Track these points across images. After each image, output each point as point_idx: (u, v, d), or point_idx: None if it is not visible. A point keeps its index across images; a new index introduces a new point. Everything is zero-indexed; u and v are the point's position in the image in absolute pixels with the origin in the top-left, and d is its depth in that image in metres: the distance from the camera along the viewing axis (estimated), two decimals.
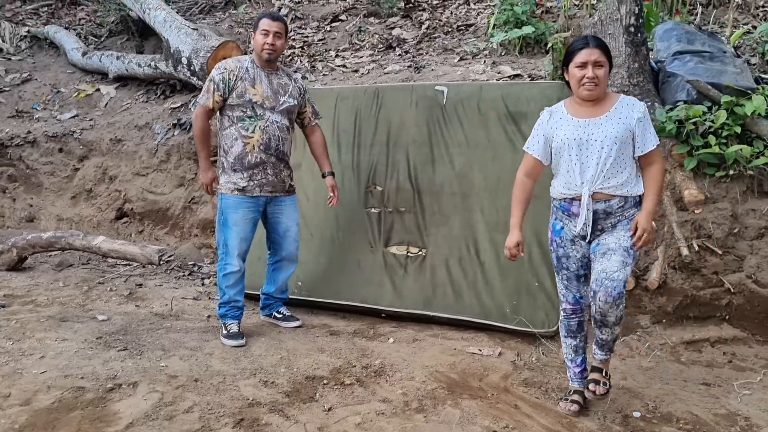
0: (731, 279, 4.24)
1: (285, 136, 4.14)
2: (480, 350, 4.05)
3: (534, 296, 4.22)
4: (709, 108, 4.34)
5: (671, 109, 4.39)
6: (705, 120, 4.27)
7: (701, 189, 4.29)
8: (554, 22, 6.34)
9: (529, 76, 5.30)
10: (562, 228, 3.22)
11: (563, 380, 3.63)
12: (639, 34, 4.54)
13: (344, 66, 6.80)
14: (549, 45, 4.86)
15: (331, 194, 4.36)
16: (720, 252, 4.25)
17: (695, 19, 6.72)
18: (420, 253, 4.58)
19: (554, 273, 3.38)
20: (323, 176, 4.41)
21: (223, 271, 4.12)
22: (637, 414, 3.32)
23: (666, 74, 4.64)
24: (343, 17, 8.28)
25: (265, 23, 4.00)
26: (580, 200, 3.08)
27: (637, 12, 4.51)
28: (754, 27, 5.90)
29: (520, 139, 4.40)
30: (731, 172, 4.27)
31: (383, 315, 4.58)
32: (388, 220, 4.68)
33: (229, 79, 3.99)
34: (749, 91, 4.33)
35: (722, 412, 3.37)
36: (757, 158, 4.21)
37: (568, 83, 3.12)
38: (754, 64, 5.29)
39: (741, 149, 4.20)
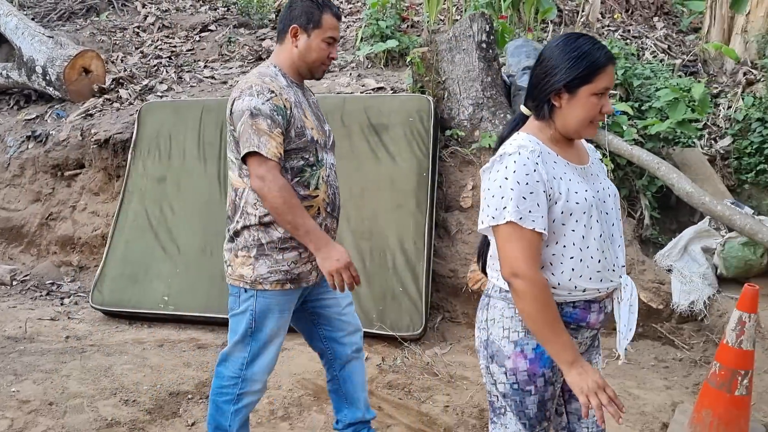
0: None
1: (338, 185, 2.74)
2: None
3: (399, 301, 4.37)
4: None
5: None
6: None
7: None
8: (418, 36, 6.60)
9: (392, 89, 5.49)
10: None
11: (426, 380, 3.79)
12: (490, 50, 4.84)
13: (213, 77, 6.73)
14: (408, 59, 5.07)
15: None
16: None
17: (548, 36, 7.23)
18: None
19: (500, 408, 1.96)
20: None
21: (237, 403, 2.61)
22: None
23: (517, 88, 4.97)
24: (212, 27, 8.18)
25: (333, 23, 2.52)
26: (602, 301, 1.92)
27: (488, 29, 4.80)
28: None
29: (382, 149, 4.56)
30: None
31: None
32: None
33: (284, 107, 2.40)
34: None
35: None
36: None
37: (540, 107, 1.86)
38: None
39: None
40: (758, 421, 3.50)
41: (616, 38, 6.74)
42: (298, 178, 2.46)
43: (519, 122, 1.94)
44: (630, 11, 8.34)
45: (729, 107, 5.67)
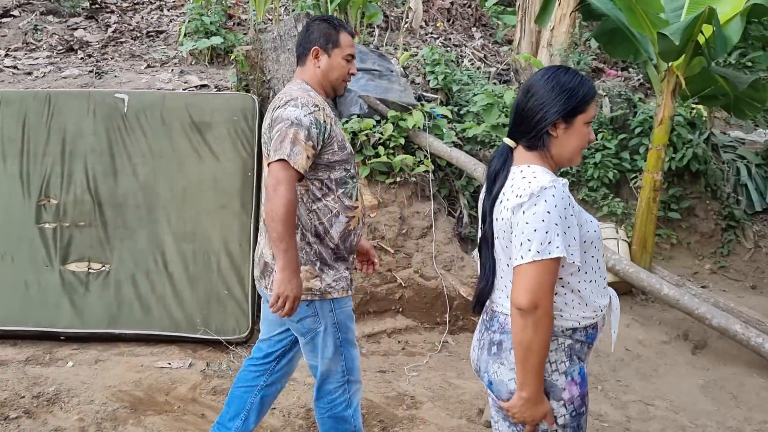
0: (402, 275, 4.73)
1: None
2: (169, 363, 3.96)
3: (224, 304, 4.25)
4: (378, 121, 4.81)
5: (347, 122, 4.76)
6: (375, 132, 4.72)
7: (374, 195, 4.73)
8: (245, 34, 6.47)
9: (216, 87, 5.34)
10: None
11: None
12: None
13: (15, 67, 6.14)
14: (232, 57, 4.95)
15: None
16: (392, 251, 4.72)
17: (374, 40, 7.40)
18: (103, 269, 4.31)
19: None
20: None
21: (351, 404, 2.67)
22: None
23: None
24: (15, 13, 7.47)
25: (349, 41, 2.62)
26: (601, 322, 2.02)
27: None
28: (419, 48, 6.68)
29: (205, 149, 4.42)
30: (398, 179, 4.78)
31: (62, 338, 4.23)
32: (66, 236, 4.34)
33: (325, 122, 2.47)
34: (411, 107, 4.90)
35: (393, 395, 3.75)
36: (418, 166, 4.78)
37: (536, 138, 1.91)
38: (418, 84, 5.99)
39: (405, 158, 4.73)
40: None
41: (437, 45, 7.05)
42: (342, 189, 2.54)
43: (508, 154, 1.95)
44: (451, 21, 8.78)
45: None
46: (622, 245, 5.07)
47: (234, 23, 6.81)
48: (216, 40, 5.88)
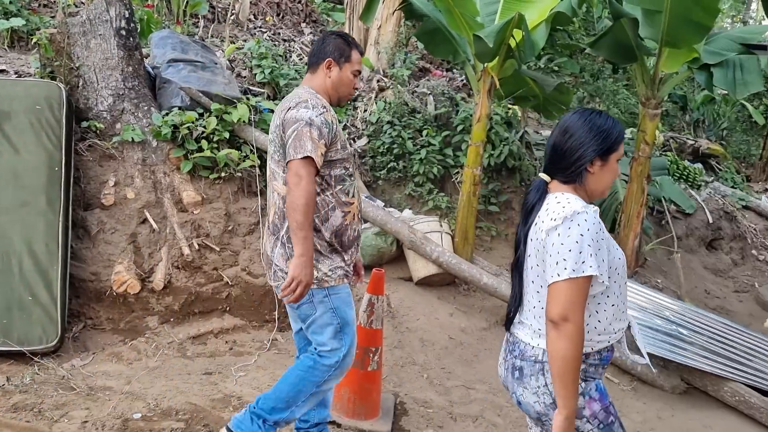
0: (229, 273, 4.59)
1: None
2: None
3: (28, 311, 3.86)
4: (201, 114, 4.63)
5: (167, 114, 4.53)
6: (198, 125, 4.53)
7: (198, 190, 4.54)
8: (53, 17, 5.95)
9: (16, 73, 4.84)
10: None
11: (61, 397, 3.42)
12: (131, 38, 4.57)
13: None
14: (34, 41, 4.51)
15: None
16: (218, 249, 4.57)
17: (199, 31, 7.13)
18: None
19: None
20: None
21: (321, 385, 2.82)
22: (137, 415, 3.32)
23: (162, 80, 4.78)
24: None
25: (359, 58, 2.86)
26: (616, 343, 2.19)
27: (127, 16, 4.52)
28: (246, 42, 6.52)
29: (2, 140, 4.00)
30: (223, 174, 4.63)
31: None
32: None
33: (332, 122, 2.69)
34: (236, 100, 4.76)
35: (219, 397, 3.62)
36: (244, 161, 4.65)
37: (575, 174, 2.08)
38: (245, 77, 5.85)
39: (230, 153, 4.58)
40: (389, 391, 3.89)
41: (265, 39, 6.92)
42: (340, 186, 2.73)
43: (543, 188, 2.10)
44: (281, 15, 8.69)
45: (365, 111, 6.23)
46: (445, 238, 5.28)
47: (40, 4, 6.24)
48: (17, 22, 5.34)
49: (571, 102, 5.79)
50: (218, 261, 4.57)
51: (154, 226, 4.48)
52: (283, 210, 2.68)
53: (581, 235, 1.93)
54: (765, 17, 13.56)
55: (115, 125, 4.50)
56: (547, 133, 8.08)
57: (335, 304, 2.74)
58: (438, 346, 4.56)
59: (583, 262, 1.91)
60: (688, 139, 9.40)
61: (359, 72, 2.89)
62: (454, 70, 8.02)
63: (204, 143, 4.52)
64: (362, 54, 2.92)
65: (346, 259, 2.78)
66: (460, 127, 6.09)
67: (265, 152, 4.92)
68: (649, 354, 4.35)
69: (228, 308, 4.62)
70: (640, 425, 4.13)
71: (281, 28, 8.15)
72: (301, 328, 2.89)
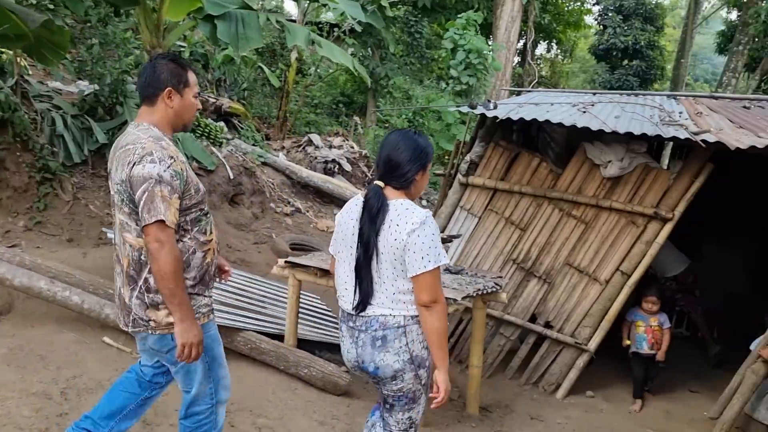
0: None
1: None
2: None
3: None
4: None
5: None
6: None
7: None
8: None
9: None
10: None
11: None
12: None
13: None
14: None
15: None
16: None
17: None
18: None
19: None
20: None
21: (216, 425, 2.82)
22: None
23: None
24: None
25: (195, 79, 2.67)
26: None
27: None
28: None
29: None
30: None
31: None
32: None
33: (182, 171, 2.50)
34: None
35: None
36: None
37: (407, 182, 2.62)
38: None
39: None
40: None
41: None
42: (197, 228, 2.62)
43: (381, 193, 2.53)
44: None
45: None
46: None
47: None
48: None
49: (68, 46, 5.11)
50: None
51: None
52: (139, 261, 2.52)
53: (434, 234, 2.46)
54: None
55: None
56: (56, 84, 7.23)
57: (205, 344, 2.66)
58: None
59: (439, 254, 2.45)
60: (210, 97, 9.50)
61: (199, 93, 2.75)
62: None
63: None
64: (197, 73, 2.84)
65: (207, 294, 2.72)
66: None
67: None
68: None
69: None
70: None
71: None
72: (152, 364, 2.84)
